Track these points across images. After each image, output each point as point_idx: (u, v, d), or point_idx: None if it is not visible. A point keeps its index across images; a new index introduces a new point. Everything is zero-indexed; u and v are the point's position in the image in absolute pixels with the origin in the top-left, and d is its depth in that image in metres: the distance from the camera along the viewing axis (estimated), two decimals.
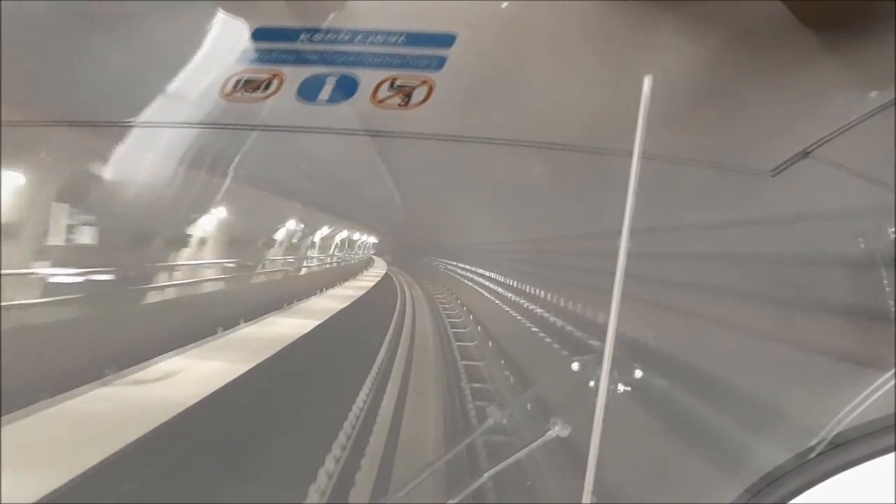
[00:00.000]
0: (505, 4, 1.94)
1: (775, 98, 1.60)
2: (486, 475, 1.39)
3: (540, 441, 1.38)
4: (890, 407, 1.26)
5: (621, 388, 1.42)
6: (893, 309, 1.33)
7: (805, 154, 1.48)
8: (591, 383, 1.34)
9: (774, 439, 1.39)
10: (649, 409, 1.61)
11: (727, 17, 1.71)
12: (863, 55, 1.57)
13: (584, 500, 1.22)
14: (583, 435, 1.31)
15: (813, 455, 1.28)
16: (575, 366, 1.47)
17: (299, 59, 1.83)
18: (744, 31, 1.69)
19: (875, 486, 1.23)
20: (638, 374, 1.45)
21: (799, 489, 1.27)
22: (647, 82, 1.26)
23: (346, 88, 1.75)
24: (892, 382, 1.28)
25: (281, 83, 1.78)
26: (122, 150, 1.96)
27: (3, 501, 1.99)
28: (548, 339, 2.05)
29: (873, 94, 1.52)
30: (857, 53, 1.58)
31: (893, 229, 1.37)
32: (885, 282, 1.35)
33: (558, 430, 1.38)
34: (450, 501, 1.37)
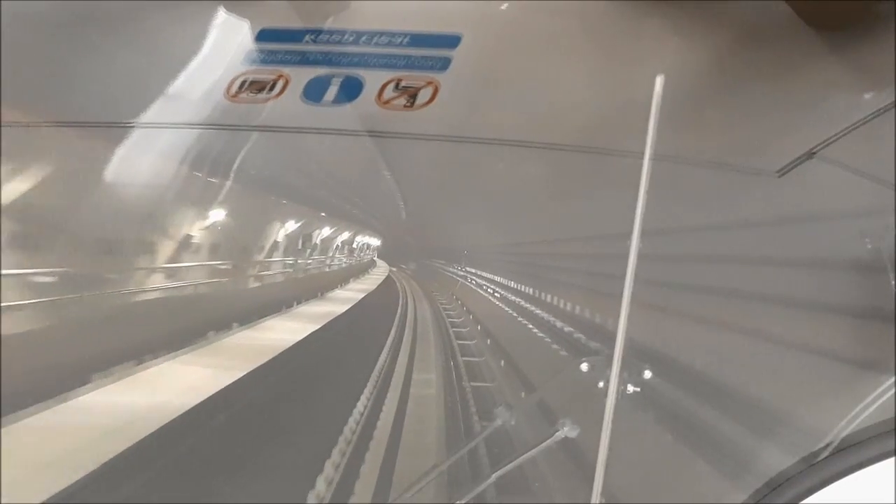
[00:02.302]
0: (506, 5, 1.95)
1: (781, 98, 1.60)
2: (494, 476, 1.38)
3: (548, 442, 1.38)
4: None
5: (631, 388, 1.41)
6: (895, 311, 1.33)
7: (811, 154, 1.48)
8: (601, 384, 1.33)
9: (781, 443, 1.39)
10: (654, 412, 1.61)
11: (732, 18, 1.71)
12: (868, 55, 1.57)
13: (593, 500, 1.22)
14: (589, 436, 1.30)
15: (819, 458, 1.27)
16: (584, 366, 1.47)
17: (304, 60, 1.83)
18: (749, 32, 1.69)
19: (879, 488, 1.23)
20: (647, 374, 1.45)
21: (805, 492, 1.27)
22: (658, 82, 1.26)
23: (352, 89, 1.75)
24: None
25: (286, 84, 1.78)
26: (125, 151, 1.96)
27: (3, 502, 1.98)
28: (555, 346, 2.05)
29: (879, 94, 1.51)
30: (862, 53, 1.58)
31: None
32: (893, 283, 1.34)
33: (567, 430, 1.37)
34: (457, 502, 1.37)
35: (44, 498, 2.42)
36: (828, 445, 1.28)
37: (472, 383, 2.48)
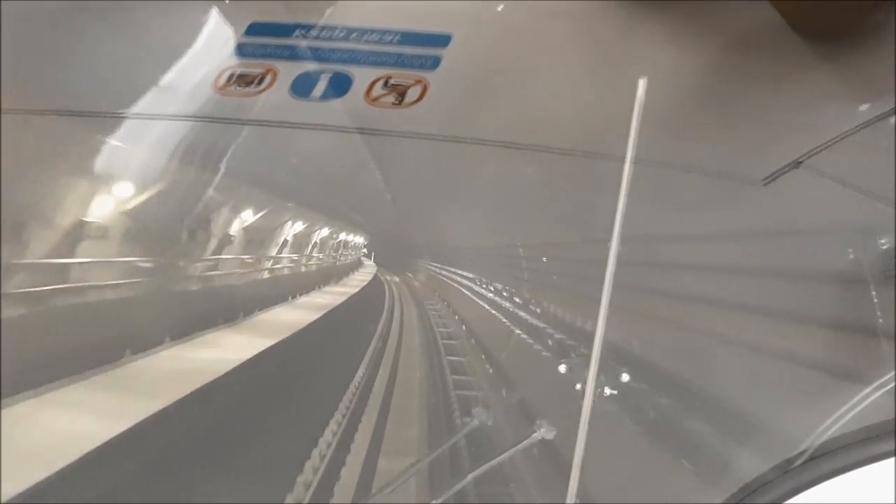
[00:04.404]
0: (498, 6, 1.94)
1: (768, 107, 1.61)
2: (470, 476, 1.38)
3: (525, 443, 1.38)
4: (870, 419, 1.26)
5: (608, 391, 1.42)
6: (880, 322, 1.33)
7: (797, 164, 1.48)
8: (578, 386, 1.34)
9: (758, 449, 1.40)
10: (633, 416, 1.61)
11: (723, 25, 1.71)
12: (856, 67, 1.58)
13: (568, 501, 1.22)
14: (568, 438, 1.30)
15: (796, 465, 1.28)
16: (562, 368, 1.47)
17: (294, 54, 1.82)
18: (739, 40, 1.69)
19: (879, 488, 1.23)
20: (625, 378, 1.45)
21: (781, 497, 1.27)
22: (641, 85, 1.26)
23: (340, 85, 1.74)
24: (874, 395, 1.28)
25: (274, 78, 1.77)
26: (114, 141, 1.95)
27: (2, 500, 2.00)
28: (537, 346, 2.05)
29: (865, 106, 1.52)
30: (850, 65, 1.58)
31: (884, 241, 1.38)
32: (873, 293, 1.35)
33: (544, 432, 1.38)
34: (433, 502, 1.36)
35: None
36: (805, 452, 1.28)
37: (454, 374, 2.48)
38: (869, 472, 1.24)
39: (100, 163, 2.32)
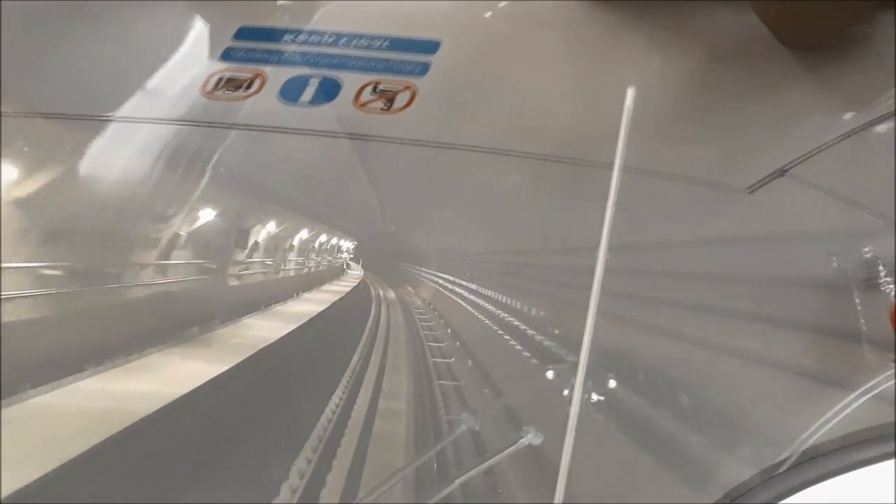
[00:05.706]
0: (488, 13, 1.95)
1: (754, 116, 1.62)
2: (456, 482, 1.38)
3: (512, 449, 1.38)
4: (854, 425, 1.27)
5: (595, 397, 1.42)
6: (864, 329, 1.34)
7: (782, 172, 1.49)
8: (565, 392, 1.34)
9: (743, 455, 1.40)
10: (620, 422, 1.61)
11: (709, 36, 1.73)
12: (840, 77, 1.60)
13: (555, 501, 1.23)
14: (556, 444, 1.31)
15: (780, 471, 1.29)
16: (549, 374, 1.47)
17: (282, 59, 1.82)
18: (724, 50, 1.71)
19: (879, 489, 1.24)
20: (612, 384, 1.45)
21: (767, 501, 1.28)
22: (629, 94, 1.27)
23: (329, 91, 1.74)
24: (857, 402, 1.29)
25: (263, 83, 1.77)
26: (98, 145, 1.94)
27: (2, 499, 1.97)
28: (526, 353, 2.05)
29: (850, 115, 1.54)
30: (835, 75, 1.60)
31: (867, 249, 1.39)
32: (857, 301, 1.36)
33: (531, 437, 1.38)
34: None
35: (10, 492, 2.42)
36: (790, 458, 1.29)
37: (441, 381, 2.48)
38: (868, 473, 1.25)
39: (83, 167, 2.30)
